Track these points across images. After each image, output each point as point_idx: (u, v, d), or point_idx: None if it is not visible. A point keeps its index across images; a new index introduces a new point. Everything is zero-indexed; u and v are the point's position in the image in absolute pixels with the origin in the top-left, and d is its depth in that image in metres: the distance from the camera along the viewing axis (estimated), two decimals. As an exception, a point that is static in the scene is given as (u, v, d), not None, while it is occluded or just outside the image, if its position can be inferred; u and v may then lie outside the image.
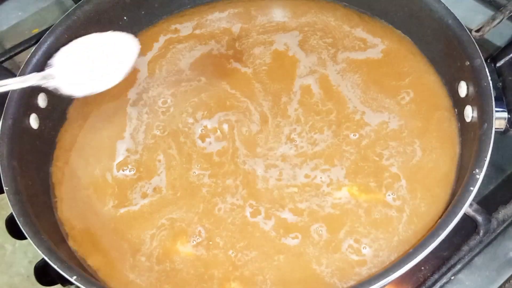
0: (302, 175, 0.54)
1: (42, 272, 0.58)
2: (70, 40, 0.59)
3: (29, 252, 0.63)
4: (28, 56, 0.56)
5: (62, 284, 0.56)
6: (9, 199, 0.49)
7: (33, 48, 0.57)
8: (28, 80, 0.50)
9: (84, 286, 0.44)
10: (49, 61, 0.53)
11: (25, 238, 0.47)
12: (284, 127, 0.57)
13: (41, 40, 0.57)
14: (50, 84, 0.51)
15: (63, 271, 0.45)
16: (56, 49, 0.57)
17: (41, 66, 0.56)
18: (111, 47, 0.54)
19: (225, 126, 0.57)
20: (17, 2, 0.80)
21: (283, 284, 0.49)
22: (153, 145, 0.57)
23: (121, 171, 0.56)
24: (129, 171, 0.56)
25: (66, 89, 0.52)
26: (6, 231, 0.59)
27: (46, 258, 0.46)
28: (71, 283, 0.45)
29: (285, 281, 0.49)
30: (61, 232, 0.53)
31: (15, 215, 0.48)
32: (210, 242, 0.51)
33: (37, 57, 0.56)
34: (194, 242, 0.51)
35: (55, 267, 0.45)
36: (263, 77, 0.61)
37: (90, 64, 0.53)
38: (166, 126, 0.58)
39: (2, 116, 0.53)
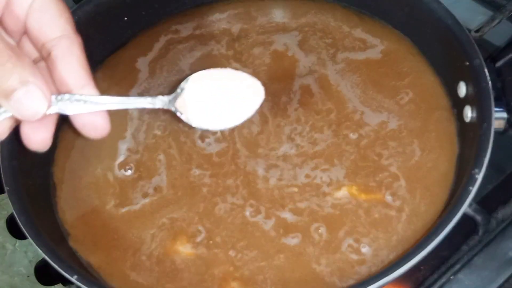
0: (303, 175, 0.54)
1: (43, 271, 0.58)
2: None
3: (29, 252, 0.63)
4: (29, 56, 0.56)
5: (63, 284, 0.57)
6: (10, 199, 0.49)
7: (33, 48, 0.57)
8: (157, 103, 0.48)
9: (84, 285, 0.44)
10: (180, 85, 0.50)
11: (25, 237, 0.47)
12: (284, 127, 0.57)
13: (41, 40, 0.57)
14: (175, 110, 0.49)
15: (63, 271, 0.45)
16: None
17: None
18: (239, 87, 0.52)
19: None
20: (18, 2, 0.80)
21: (283, 284, 0.49)
22: (154, 144, 0.57)
23: (122, 171, 0.56)
24: (130, 171, 0.56)
25: (190, 118, 0.50)
26: (7, 231, 0.59)
27: (46, 258, 0.46)
28: (72, 283, 0.45)
29: (285, 280, 0.49)
30: (61, 232, 0.53)
31: (15, 215, 0.48)
32: (211, 242, 0.51)
33: (37, 57, 0.56)
34: (195, 242, 0.51)
35: (56, 266, 0.45)
36: (262, 77, 0.61)
37: (216, 99, 0.51)
38: (167, 126, 0.58)
39: (3, 116, 0.53)
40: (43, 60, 0.43)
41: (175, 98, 0.50)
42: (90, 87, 0.43)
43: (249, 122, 0.57)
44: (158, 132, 0.58)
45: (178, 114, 0.49)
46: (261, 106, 0.52)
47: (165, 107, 0.49)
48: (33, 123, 0.41)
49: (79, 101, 0.42)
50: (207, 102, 0.51)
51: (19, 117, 0.40)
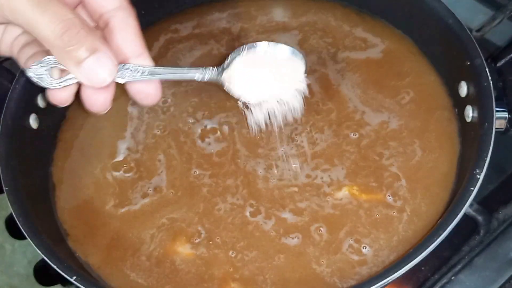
0: (303, 175, 0.54)
1: (42, 272, 0.58)
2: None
3: (28, 252, 0.63)
4: (28, 56, 0.56)
5: (62, 284, 0.56)
6: (8, 199, 0.49)
7: (33, 48, 0.56)
8: (206, 75, 0.50)
9: (84, 286, 0.44)
10: (228, 58, 0.52)
11: (24, 238, 0.47)
12: (285, 127, 0.57)
13: (41, 39, 0.57)
14: (221, 83, 0.51)
15: (62, 271, 0.45)
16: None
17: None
18: (284, 60, 0.53)
19: (225, 128, 0.57)
20: (17, 1, 0.79)
21: (283, 284, 0.49)
22: (154, 144, 0.57)
23: (121, 171, 0.56)
24: (130, 171, 0.56)
25: (236, 91, 0.52)
26: (6, 231, 0.59)
27: (45, 258, 0.46)
28: (71, 283, 0.45)
29: (285, 280, 0.49)
30: (61, 232, 0.53)
31: (14, 215, 0.48)
32: (210, 242, 0.51)
33: (37, 57, 0.56)
34: (194, 242, 0.51)
35: (55, 267, 0.45)
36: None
37: (262, 71, 0.52)
38: (167, 125, 0.58)
39: (2, 116, 0.53)
40: (100, 29, 0.45)
41: (222, 71, 0.51)
42: (146, 56, 0.45)
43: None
44: (158, 132, 0.58)
45: (225, 87, 0.51)
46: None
47: (213, 80, 0.50)
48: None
49: (137, 71, 0.44)
50: (252, 74, 0.52)
51: (87, 83, 0.42)
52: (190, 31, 0.65)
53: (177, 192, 0.54)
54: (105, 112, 0.46)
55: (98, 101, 0.45)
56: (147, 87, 0.46)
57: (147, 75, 0.45)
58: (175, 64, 0.63)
